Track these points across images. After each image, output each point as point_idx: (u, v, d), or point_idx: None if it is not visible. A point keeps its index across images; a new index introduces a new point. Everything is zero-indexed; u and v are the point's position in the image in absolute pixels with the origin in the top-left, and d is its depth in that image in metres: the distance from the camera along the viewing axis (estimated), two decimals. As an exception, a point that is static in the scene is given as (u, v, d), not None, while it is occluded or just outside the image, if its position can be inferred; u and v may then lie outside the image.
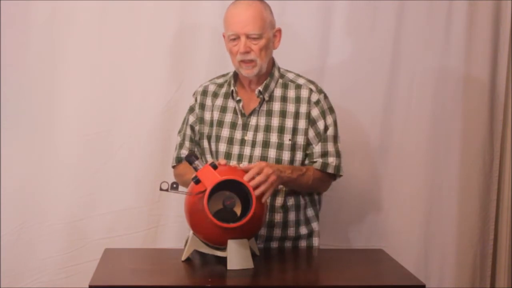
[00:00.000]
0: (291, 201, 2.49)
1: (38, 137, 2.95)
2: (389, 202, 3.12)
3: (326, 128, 2.49)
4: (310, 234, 2.54)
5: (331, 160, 2.48)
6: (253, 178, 2.17)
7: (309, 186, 2.46)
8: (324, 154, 2.48)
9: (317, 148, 2.47)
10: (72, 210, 2.97)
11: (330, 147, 2.49)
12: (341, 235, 3.08)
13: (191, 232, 2.26)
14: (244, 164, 2.45)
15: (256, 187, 2.16)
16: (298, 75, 2.56)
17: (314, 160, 2.47)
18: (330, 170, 2.47)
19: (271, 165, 2.29)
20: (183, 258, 2.25)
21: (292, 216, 2.50)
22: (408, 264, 2.36)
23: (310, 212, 2.55)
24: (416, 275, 2.18)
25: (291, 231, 2.50)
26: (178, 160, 2.59)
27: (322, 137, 2.48)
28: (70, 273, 2.97)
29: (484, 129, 3.14)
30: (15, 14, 2.90)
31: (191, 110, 2.59)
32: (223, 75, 2.62)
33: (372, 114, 3.08)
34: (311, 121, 2.48)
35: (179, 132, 2.63)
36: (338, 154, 2.50)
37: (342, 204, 3.09)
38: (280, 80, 2.52)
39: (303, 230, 2.52)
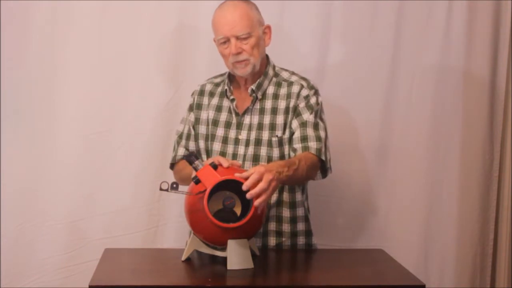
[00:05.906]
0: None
1: (38, 137, 2.95)
2: (389, 202, 3.12)
3: (308, 118, 2.44)
4: (293, 219, 2.49)
5: (312, 144, 2.40)
6: (254, 185, 2.10)
7: (305, 177, 2.37)
8: (304, 139, 2.41)
9: (296, 134, 2.42)
10: (72, 210, 2.97)
11: (310, 132, 2.41)
12: (341, 235, 3.08)
13: (192, 232, 2.26)
14: (239, 163, 2.44)
15: (256, 194, 2.09)
16: (293, 73, 2.54)
17: (295, 147, 2.41)
18: (313, 151, 2.39)
19: (270, 168, 2.17)
20: (183, 258, 2.25)
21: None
22: (408, 264, 2.35)
23: (298, 196, 2.51)
24: (416, 275, 2.17)
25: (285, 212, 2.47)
26: (176, 159, 2.57)
27: (303, 125, 2.43)
28: (70, 273, 2.97)
29: (484, 129, 3.14)
30: (15, 14, 2.90)
31: (190, 109, 2.59)
32: (221, 75, 2.61)
33: (372, 114, 3.08)
34: (297, 113, 2.44)
35: (177, 130, 2.61)
36: (319, 139, 2.40)
37: (342, 204, 3.09)
38: (274, 79, 2.51)
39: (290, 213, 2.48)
